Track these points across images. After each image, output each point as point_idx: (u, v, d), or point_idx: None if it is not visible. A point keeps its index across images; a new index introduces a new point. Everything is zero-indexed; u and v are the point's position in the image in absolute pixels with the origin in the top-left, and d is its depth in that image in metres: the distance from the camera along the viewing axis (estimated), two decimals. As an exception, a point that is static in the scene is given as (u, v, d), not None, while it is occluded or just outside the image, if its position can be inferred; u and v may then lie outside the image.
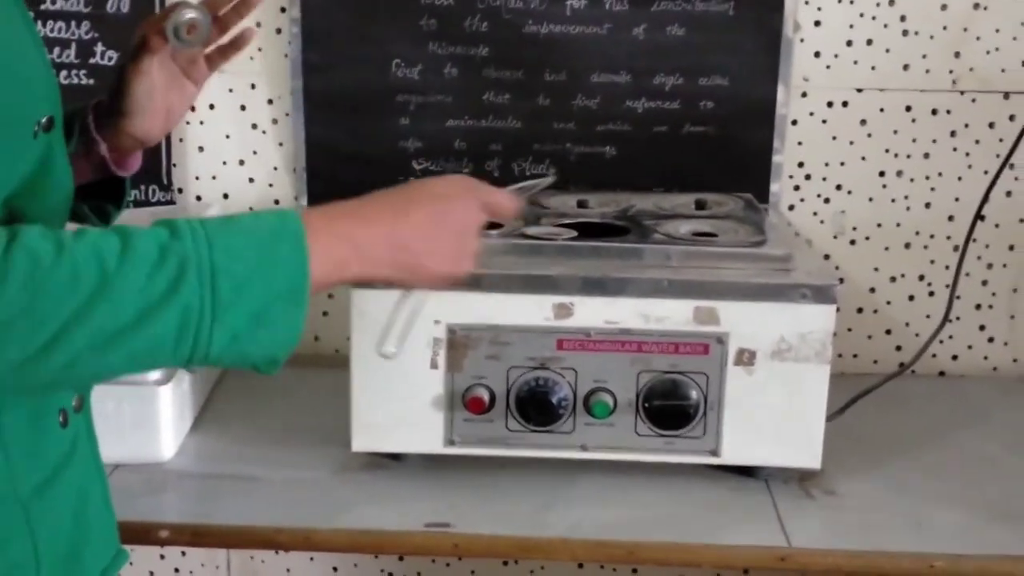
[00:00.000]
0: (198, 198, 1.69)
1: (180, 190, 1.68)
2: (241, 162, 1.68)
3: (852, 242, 1.66)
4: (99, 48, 1.61)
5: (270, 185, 1.68)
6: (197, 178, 1.68)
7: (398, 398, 1.28)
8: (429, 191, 0.94)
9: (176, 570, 1.82)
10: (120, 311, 0.76)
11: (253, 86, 1.65)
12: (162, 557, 1.81)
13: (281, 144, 1.66)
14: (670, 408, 1.27)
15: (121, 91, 1.08)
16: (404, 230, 0.90)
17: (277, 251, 0.82)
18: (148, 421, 1.33)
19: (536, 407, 1.27)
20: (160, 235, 0.79)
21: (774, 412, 1.27)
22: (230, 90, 1.64)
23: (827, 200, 1.66)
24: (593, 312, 1.26)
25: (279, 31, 1.63)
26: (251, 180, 1.68)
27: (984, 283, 1.67)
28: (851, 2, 1.59)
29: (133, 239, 0.78)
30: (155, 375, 1.33)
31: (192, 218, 0.82)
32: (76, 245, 0.76)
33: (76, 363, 0.76)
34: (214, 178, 1.68)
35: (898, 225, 1.66)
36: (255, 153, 1.67)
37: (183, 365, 0.81)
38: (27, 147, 0.86)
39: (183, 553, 1.80)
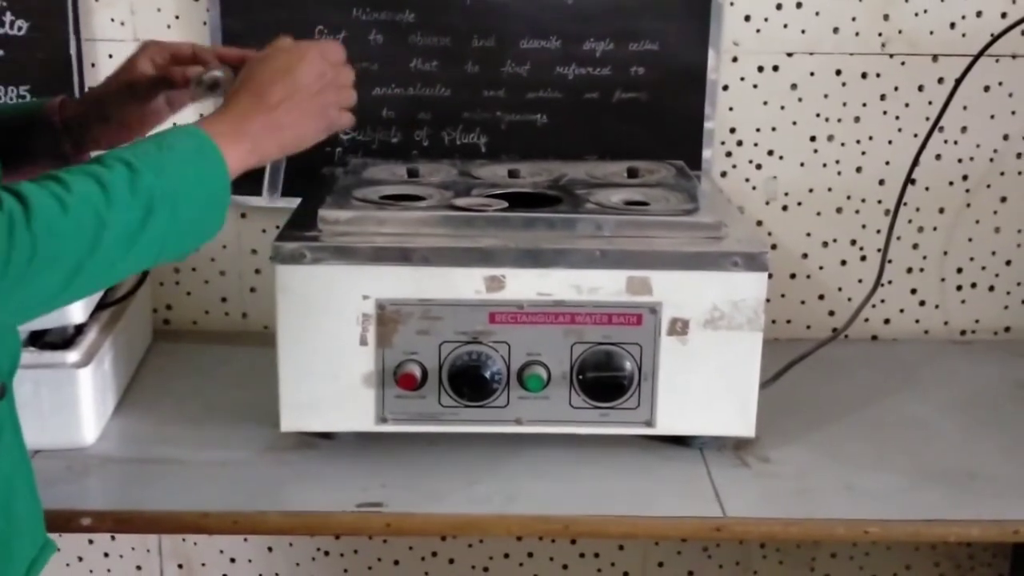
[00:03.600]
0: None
1: (98, 164, 1.62)
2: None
3: (784, 208, 1.66)
4: (8, 17, 1.55)
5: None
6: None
7: (327, 376, 1.25)
8: (274, 68, 1.04)
9: (106, 554, 1.78)
10: (115, 247, 0.87)
11: (172, 56, 1.59)
12: (91, 542, 1.76)
13: (202, 115, 1.61)
14: (604, 380, 1.25)
15: (112, 101, 1.13)
16: (274, 114, 1.02)
17: (206, 167, 0.95)
18: (68, 405, 1.28)
19: (469, 382, 1.25)
20: (122, 173, 0.89)
21: (708, 381, 1.26)
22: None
23: (759, 166, 1.65)
24: (525, 284, 1.24)
25: (197, -2, 1.58)
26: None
27: (915, 246, 1.68)
28: (781, -35, 1.58)
29: (107, 182, 0.87)
30: (74, 357, 1.29)
31: (125, 148, 0.93)
32: (72, 199, 0.85)
33: (83, 290, 0.90)
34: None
35: (829, 190, 1.66)
36: (176, 125, 1.61)
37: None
38: None
39: (112, 537, 1.76)
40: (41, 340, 1.31)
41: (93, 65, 1.59)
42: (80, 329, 1.33)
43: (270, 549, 1.79)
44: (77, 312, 1.28)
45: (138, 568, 1.78)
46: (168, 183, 0.91)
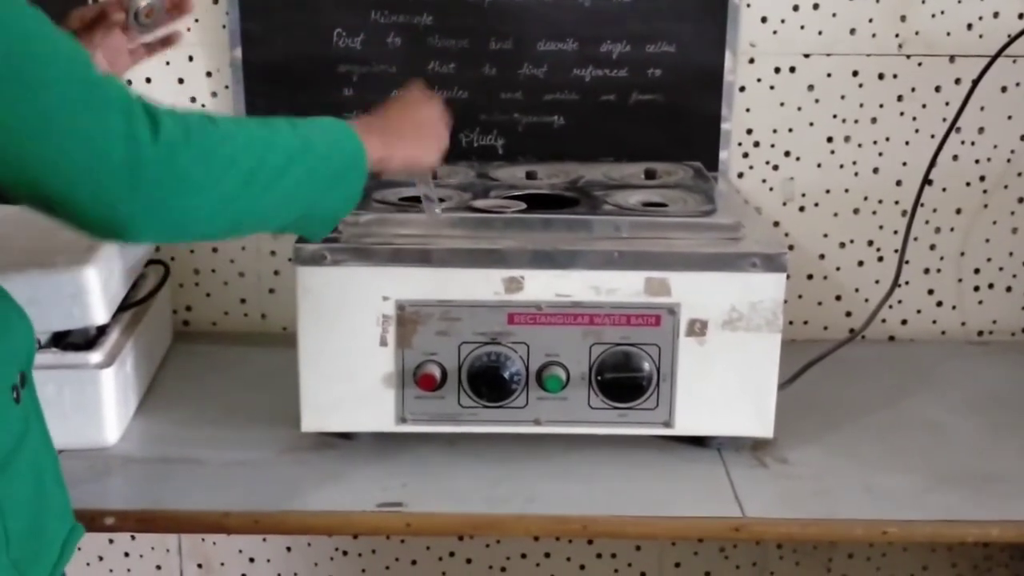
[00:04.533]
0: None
1: (118, 167, 1.63)
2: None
3: (801, 209, 1.66)
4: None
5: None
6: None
7: (347, 376, 1.26)
8: (403, 102, 1.26)
9: (126, 554, 1.79)
10: (275, 169, 0.98)
11: (191, 58, 1.60)
12: (111, 541, 1.78)
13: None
14: (623, 380, 1.26)
15: None
16: (400, 126, 1.19)
17: (347, 137, 1.08)
18: (91, 405, 1.29)
19: (488, 382, 1.26)
20: (279, 120, 1.02)
21: (726, 382, 1.26)
22: (167, 63, 1.59)
23: (776, 167, 1.65)
24: (544, 285, 1.24)
25: (216, 0, 1.58)
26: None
27: (932, 247, 1.68)
28: (797, -34, 1.58)
29: (267, 121, 1.01)
30: (97, 358, 1.30)
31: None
32: (243, 124, 0.99)
33: (251, 208, 0.98)
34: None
35: (847, 191, 1.66)
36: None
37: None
38: None
39: (132, 537, 1.77)
40: (64, 341, 1.32)
41: (113, 68, 1.60)
42: (102, 330, 1.34)
43: (289, 549, 1.80)
44: (99, 313, 1.29)
45: (158, 568, 1.80)
46: (318, 136, 1.04)
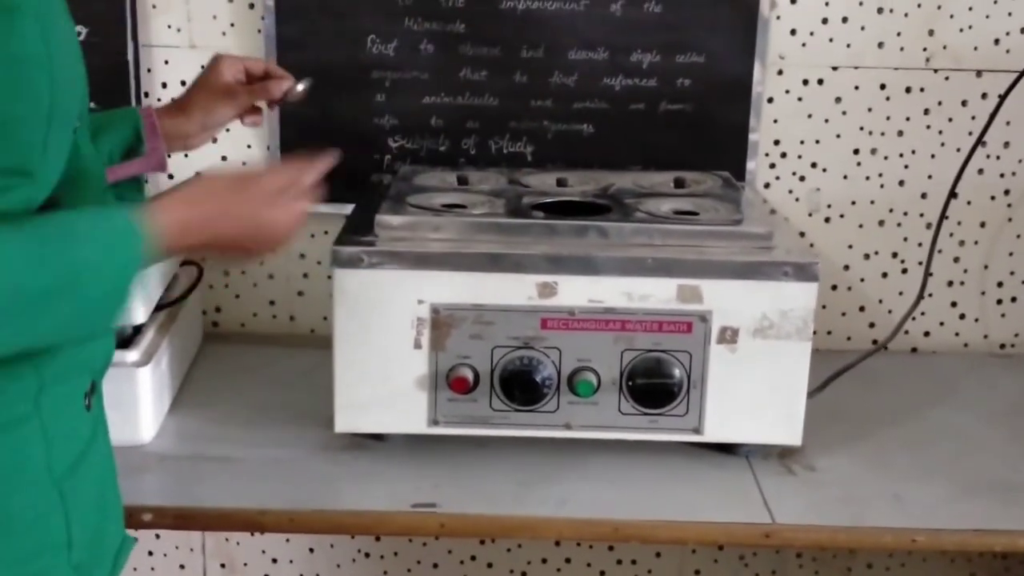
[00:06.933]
0: (170, 176, 1.66)
1: (152, 168, 1.65)
2: (214, 140, 1.64)
3: (827, 220, 1.68)
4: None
5: (243, 163, 1.66)
6: (169, 156, 1.64)
7: (381, 378, 1.28)
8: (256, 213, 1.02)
9: (150, 553, 1.80)
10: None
11: (226, 62, 1.62)
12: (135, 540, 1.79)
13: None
14: (654, 386, 1.27)
15: (216, 112, 1.29)
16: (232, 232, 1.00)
17: (121, 262, 0.90)
18: (127, 403, 1.30)
19: (520, 386, 1.27)
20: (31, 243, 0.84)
21: (756, 389, 1.28)
22: (202, 67, 1.61)
23: (802, 178, 1.66)
24: (577, 291, 1.26)
25: (252, 5, 1.60)
26: (224, 159, 1.66)
27: (956, 260, 1.69)
28: (827, -20, 1.60)
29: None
30: (134, 357, 1.32)
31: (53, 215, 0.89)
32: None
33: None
34: (186, 156, 1.65)
35: (872, 203, 1.67)
36: (228, 131, 1.64)
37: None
38: (68, 141, 0.91)
39: (157, 536, 1.79)
40: (100, 339, 1.33)
41: (149, 70, 1.62)
42: (138, 329, 1.36)
43: (311, 550, 1.81)
44: (137, 312, 1.31)
45: (181, 567, 1.81)
46: (89, 253, 0.87)
